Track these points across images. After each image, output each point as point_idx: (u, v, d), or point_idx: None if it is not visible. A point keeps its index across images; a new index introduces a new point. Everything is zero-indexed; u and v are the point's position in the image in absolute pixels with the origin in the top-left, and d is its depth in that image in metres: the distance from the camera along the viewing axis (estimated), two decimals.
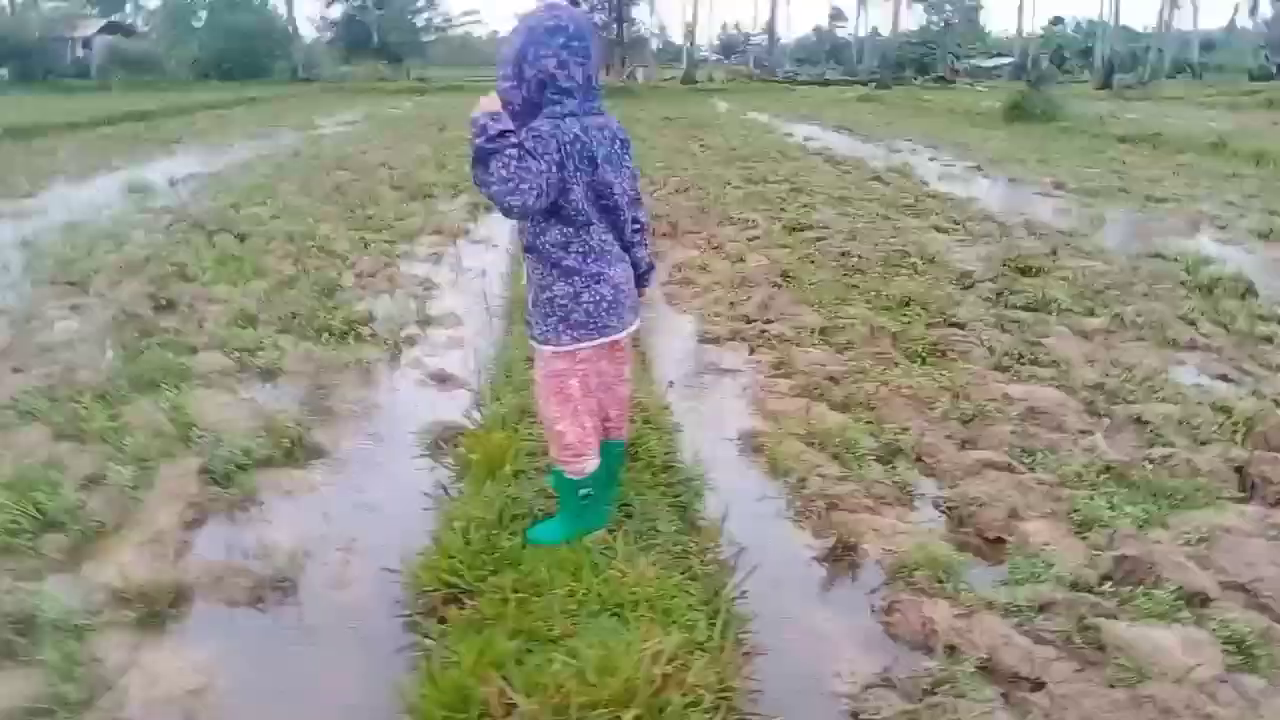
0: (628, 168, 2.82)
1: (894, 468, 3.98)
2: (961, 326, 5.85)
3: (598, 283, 2.73)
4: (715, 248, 8.43)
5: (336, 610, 2.85)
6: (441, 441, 3.92)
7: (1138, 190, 11.99)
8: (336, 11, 61.51)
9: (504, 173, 2.50)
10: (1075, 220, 9.96)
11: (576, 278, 2.72)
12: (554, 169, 2.55)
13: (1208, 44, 67.57)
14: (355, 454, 3.95)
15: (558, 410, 2.84)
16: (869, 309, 6.25)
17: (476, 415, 3.98)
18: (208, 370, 4.66)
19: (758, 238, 8.69)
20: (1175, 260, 7.80)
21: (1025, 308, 6.37)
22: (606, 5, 54.07)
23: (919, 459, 4.11)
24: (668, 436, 3.80)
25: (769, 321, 6.15)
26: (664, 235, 8.99)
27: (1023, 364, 5.25)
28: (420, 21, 64.79)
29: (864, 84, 47.90)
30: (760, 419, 4.55)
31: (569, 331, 2.75)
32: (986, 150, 16.87)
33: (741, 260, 7.86)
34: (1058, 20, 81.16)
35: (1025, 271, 7.35)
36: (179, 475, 3.48)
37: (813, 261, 7.67)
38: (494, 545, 2.73)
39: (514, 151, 2.50)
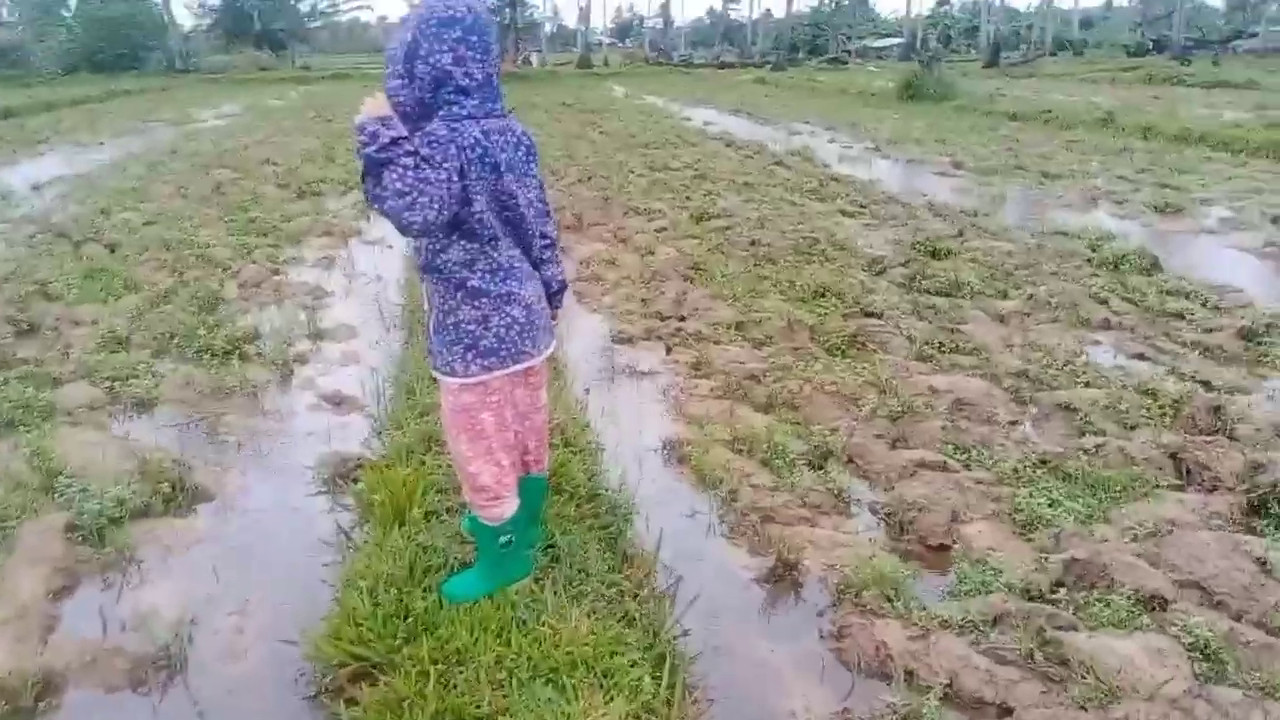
0: (533, 176, 2.56)
1: (826, 472, 3.82)
2: (879, 316, 5.73)
3: (508, 304, 2.46)
4: (622, 240, 8.19)
5: (230, 690, 2.49)
6: (340, 477, 3.56)
7: (1033, 167, 12.17)
8: None
9: (399, 185, 2.19)
10: (976, 199, 10.03)
11: (484, 299, 2.44)
12: (454, 178, 2.27)
13: (1086, 22, 70.01)
14: (243, 496, 3.56)
15: (470, 449, 2.54)
16: (784, 301, 6.09)
17: (377, 445, 3.64)
18: (74, 405, 4.18)
19: (665, 229, 8.47)
20: (1078, 237, 7.88)
21: (939, 292, 6.30)
22: None
23: (850, 461, 3.95)
24: (590, 459, 3.53)
25: (683, 318, 5.94)
26: (569, 228, 8.69)
27: (943, 353, 5.16)
28: (305, 7, 62.44)
29: (759, 66, 48.10)
30: (683, 425, 4.34)
31: (478, 360, 2.46)
32: (883, 131, 16.99)
33: (650, 253, 7.63)
34: (945, 1, 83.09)
35: (935, 254, 7.31)
36: (43, 534, 3.05)
37: (723, 252, 7.49)
38: (406, 607, 2.41)
39: (409, 161, 2.20)
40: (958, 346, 5.22)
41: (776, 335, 5.43)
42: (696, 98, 26.98)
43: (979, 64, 44.88)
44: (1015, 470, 3.74)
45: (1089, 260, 7.14)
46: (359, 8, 68.57)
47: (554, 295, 2.73)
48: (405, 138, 2.23)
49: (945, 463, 3.82)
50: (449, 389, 2.53)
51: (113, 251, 7.04)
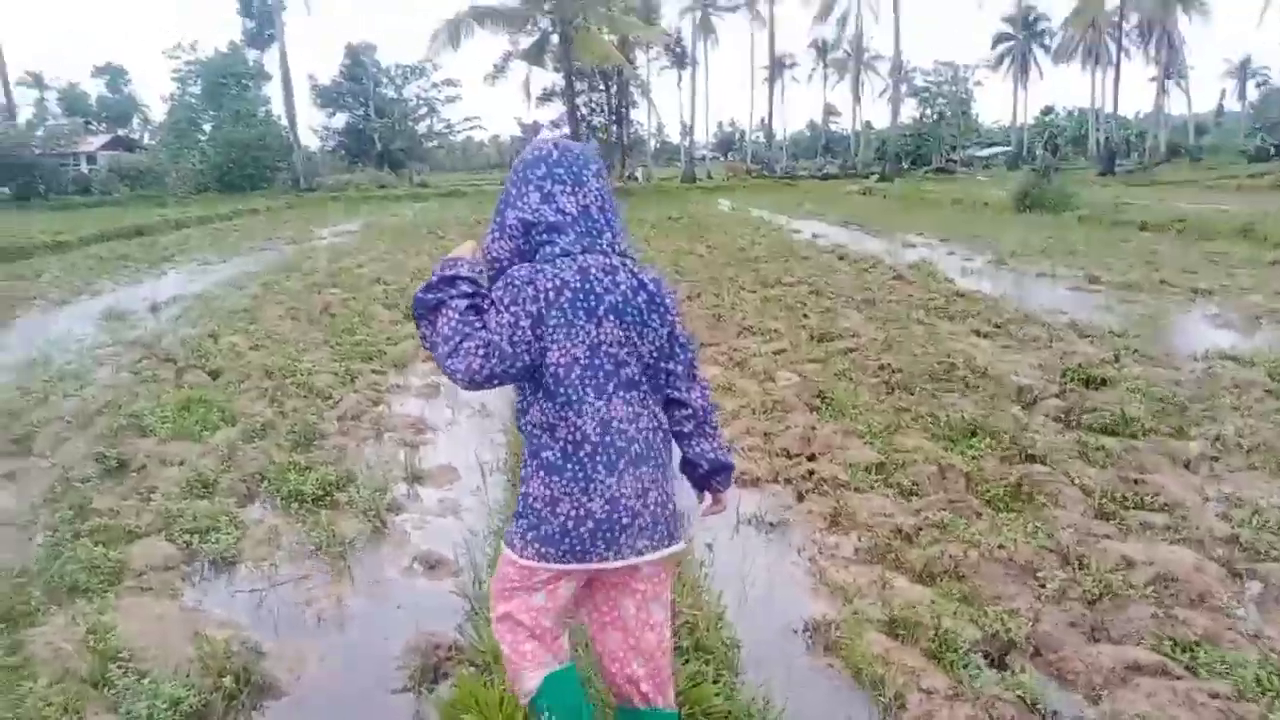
0: (656, 328, 2.10)
1: (1011, 673, 3.12)
2: (1042, 460, 5.01)
3: (585, 492, 2.02)
4: (739, 363, 7.66)
5: None
6: (429, 669, 3.02)
7: (1178, 282, 11.27)
8: (340, 121, 62.39)
9: (446, 330, 1.98)
10: (1122, 319, 9.21)
11: (557, 479, 2.03)
12: (521, 323, 1.97)
13: (1199, 127, 68.27)
14: (316, 694, 3.01)
15: (498, 620, 2.23)
16: (928, 438, 5.43)
17: (472, 632, 3.10)
18: (146, 564, 3.76)
19: (784, 350, 7.93)
20: (1251, 363, 7.02)
21: (1105, 430, 5.55)
22: (605, 108, 54.71)
23: (1038, 655, 3.25)
24: (725, 667, 2.91)
25: (813, 457, 5.33)
26: None
27: (1128, 509, 4.41)
28: (422, 128, 65.52)
29: (863, 177, 48.02)
30: (826, 599, 3.70)
31: (535, 544, 2.06)
32: (1005, 243, 16.24)
33: (770, 379, 7.08)
34: (1049, 109, 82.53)
35: (1089, 383, 6.57)
36: None
37: (850, 378, 6.89)
38: None
39: (460, 303, 2.00)
40: (1143, 501, 4.46)
41: (926, 483, 4.77)
42: (804, 210, 26.75)
43: (1091, 171, 43.88)
44: (1258, 680, 2.97)
45: (1271, 391, 6.28)
46: (473, 127, 71.39)
47: (704, 476, 2.26)
48: (464, 278, 2.03)
49: (1165, 665, 3.08)
50: (503, 555, 2.19)
51: (215, 379, 6.84)
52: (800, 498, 4.81)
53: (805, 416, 6.05)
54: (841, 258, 14.50)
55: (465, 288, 2.01)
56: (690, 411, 2.20)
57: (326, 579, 3.73)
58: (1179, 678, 3.01)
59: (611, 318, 2.02)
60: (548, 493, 2.03)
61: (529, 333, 1.96)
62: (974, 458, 5.09)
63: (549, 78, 51.29)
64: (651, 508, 2.09)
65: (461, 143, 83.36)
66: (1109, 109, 54.04)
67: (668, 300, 2.13)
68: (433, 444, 5.53)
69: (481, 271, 2.12)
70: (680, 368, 2.17)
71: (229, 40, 55.15)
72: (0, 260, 16.58)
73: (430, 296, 2.00)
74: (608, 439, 2.02)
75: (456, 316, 1.97)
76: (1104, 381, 6.57)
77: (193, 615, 3.36)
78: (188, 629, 3.19)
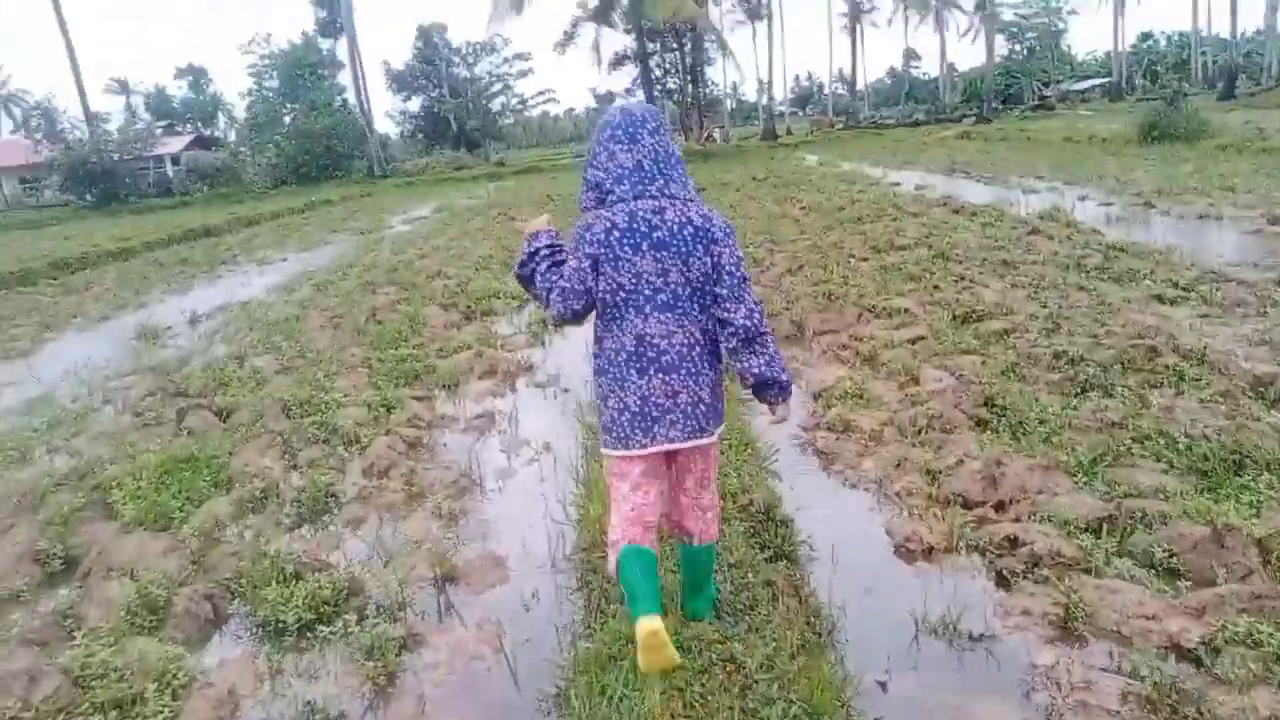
0: (701, 257, 2.49)
1: None
2: None
3: (621, 390, 2.52)
4: (866, 358, 6.08)
5: None
6: None
7: None
8: (415, 105, 61.64)
9: (537, 290, 2.59)
10: None
11: (603, 379, 2.57)
12: (584, 264, 2.49)
13: None
14: None
15: (610, 502, 2.68)
16: (1167, 473, 3.83)
17: None
18: None
19: (922, 338, 6.29)
20: None
21: None
22: (679, 68, 52.71)
23: None
24: None
25: (1004, 506, 3.80)
26: (787, 339, 6.69)
27: None
28: (496, 105, 64.30)
29: (955, 120, 45.24)
30: None
31: (603, 435, 2.62)
32: (1143, 181, 14.17)
33: (913, 380, 5.51)
34: (1147, 35, 77.49)
35: None
36: None
37: (1021, 375, 5.28)
38: None
39: (543, 265, 2.59)
40: None
41: (1194, 555, 3.19)
42: (898, 160, 24.71)
43: (1207, 98, 40.34)
44: None
45: None
46: (546, 100, 69.91)
47: (756, 389, 2.61)
48: (544, 246, 2.63)
49: None
50: None
51: (224, 419, 5.55)
52: (1003, 582, 3.29)
53: (975, 438, 4.49)
54: (956, 211, 12.62)
55: (545, 253, 2.62)
56: (734, 329, 2.51)
57: None
58: None
59: (655, 251, 2.47)
60: (600, 391, 2.61)
61: (590, 272, 2.50)
62: (1250, 503, 3.47)
63: (620, 40, 49.44)
64: (682, 406, 2.53)
65: (537, 118, 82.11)
66: (1215, 30, 49.94)
67: (716, 234, 2.51)
68: (477, 514, 4.07)
69: (557, 234, 2.69)
70: (726, 291, 2.51)
71: (301, 31, 54.48)
72: (60, 272, 15.84)
73: (524, 271, 2.65)
74: (640, 350, 2.50)
75: (540, 278, 2.60)
76: None
77: None
78: None
